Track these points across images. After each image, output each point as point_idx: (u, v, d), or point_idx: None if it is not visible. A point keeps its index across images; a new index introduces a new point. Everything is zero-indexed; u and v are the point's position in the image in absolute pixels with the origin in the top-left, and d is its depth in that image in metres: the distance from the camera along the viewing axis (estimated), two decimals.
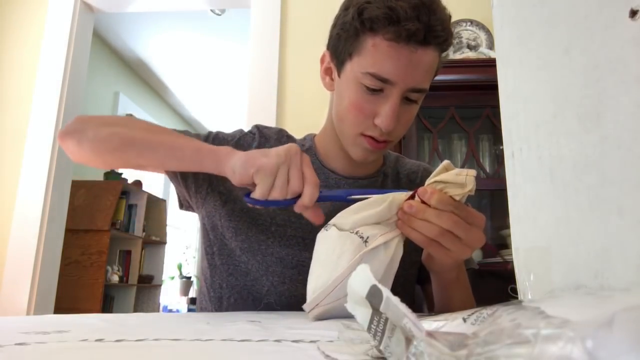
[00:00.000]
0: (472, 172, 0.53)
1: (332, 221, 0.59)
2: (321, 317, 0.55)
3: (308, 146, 0.84)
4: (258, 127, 0.84)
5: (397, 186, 0.83)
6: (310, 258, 0.59)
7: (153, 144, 0.67)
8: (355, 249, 0.54)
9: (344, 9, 0.70)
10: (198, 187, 0.78)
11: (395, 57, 0.64)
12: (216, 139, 0.80)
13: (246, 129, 0.86)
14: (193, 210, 0.83)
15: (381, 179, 0.82)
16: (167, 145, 0.67)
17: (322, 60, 0.77)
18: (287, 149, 0.58)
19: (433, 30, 0.64)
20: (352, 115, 0.69)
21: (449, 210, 0.53)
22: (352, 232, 0.56)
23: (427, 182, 0.55)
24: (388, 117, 0.66)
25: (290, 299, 0.74)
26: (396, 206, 0.56)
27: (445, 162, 0.55)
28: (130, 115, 3.90)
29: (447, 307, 0.70)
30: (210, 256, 0.80)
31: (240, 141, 0.81)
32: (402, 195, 0.56)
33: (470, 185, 0.53)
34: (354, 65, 0.68)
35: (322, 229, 0.60)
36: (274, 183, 0.56)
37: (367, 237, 0.54)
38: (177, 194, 0.83)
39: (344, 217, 0.58)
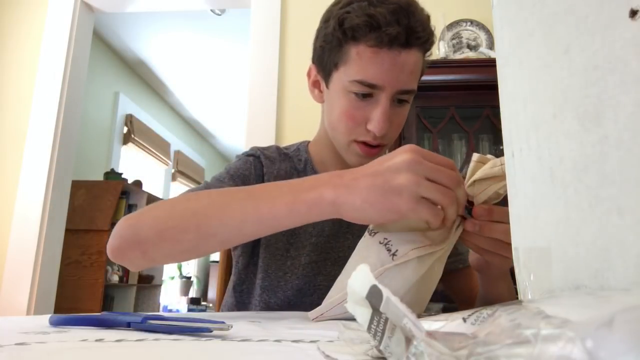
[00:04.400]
0: (504, 159, 0.50)
1: (370, 225, 0.54)
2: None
3: (304, 158, 0.83)
4: (260, 150, 0.82)
5: None
6: (323, 279, 0.57)
7: (232, 221, 0.53)
8: (377, 263, 0.48)
9: (324, 21, 0.72)
10: None
11: (379, 62, 0.65)
12: (238, 178, 0.74)
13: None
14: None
15: None
16: (251, 215, 0.52)
17: (309, 75, 0.79)
18: (408, 165, 0.46)
19: (414, 32, 0.65)
20: (344, 123, 0.70)
21: (505, 221, 0.49)
22: (382, 242, 0.50)
23: (468, 183, 0.50)
24: (380, 121, 0.67)
25: None
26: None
27: (476, 156, 0.50)
28: (131, 115, 3.90)
29: (497, 299, 0.67)
30: (239, 294, 0.80)
31: (257, 171, 0.78)
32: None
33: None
34: (340, 74, 0.69)
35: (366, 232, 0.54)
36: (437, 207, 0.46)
37: (396, 251, 0.49)
38: None
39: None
